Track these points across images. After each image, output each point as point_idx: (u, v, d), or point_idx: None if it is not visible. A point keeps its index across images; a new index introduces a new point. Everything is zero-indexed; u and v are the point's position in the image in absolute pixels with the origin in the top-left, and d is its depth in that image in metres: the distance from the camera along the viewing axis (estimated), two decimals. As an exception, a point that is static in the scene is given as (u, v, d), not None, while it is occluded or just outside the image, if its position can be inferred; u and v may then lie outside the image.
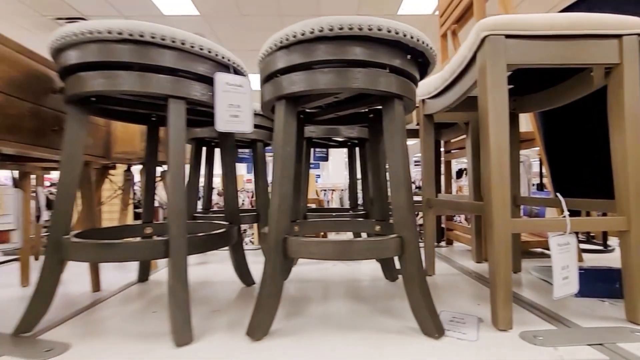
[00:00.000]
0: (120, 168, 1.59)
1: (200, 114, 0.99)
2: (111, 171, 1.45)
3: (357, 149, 1.60)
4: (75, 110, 0.73)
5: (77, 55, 0.67)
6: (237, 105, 0.78)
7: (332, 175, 10.70)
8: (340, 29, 0.63)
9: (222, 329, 0.72)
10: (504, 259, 0.68)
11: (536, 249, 1.52)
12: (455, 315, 0.77)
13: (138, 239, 1.01)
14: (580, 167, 1.15)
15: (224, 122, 0.76)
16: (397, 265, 1.22)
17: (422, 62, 0.77)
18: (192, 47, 0.70)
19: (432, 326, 0.66)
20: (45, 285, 0.70)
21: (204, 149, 1.54)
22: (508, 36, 0.69)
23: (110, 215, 1.88)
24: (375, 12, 3.95)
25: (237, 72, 0.81)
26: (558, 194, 0.76)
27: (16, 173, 1.13)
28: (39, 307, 0.71)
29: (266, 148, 1.51)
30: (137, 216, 2.78)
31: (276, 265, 0.68)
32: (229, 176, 0.99)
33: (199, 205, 1.64)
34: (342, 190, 8.25)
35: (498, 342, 0.64)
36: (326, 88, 0.67)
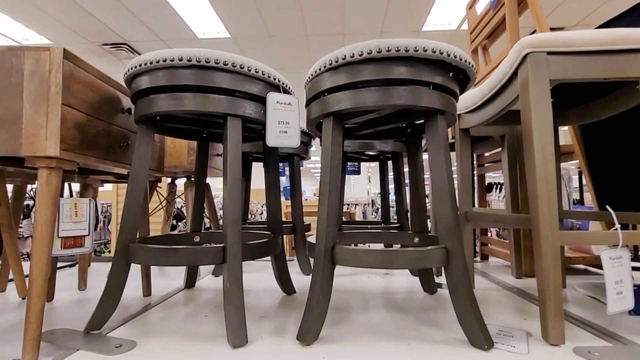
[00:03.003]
0: (164, 181, 1.70)
1: (243, 130, 1.06)
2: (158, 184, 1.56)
3: (389, 163, 1.63)
4: (144, 128, 0.82)
5: (149, 80, 0.76)
6: (286, 122, 0.83)
7: (354, 189, 10.70)
8: (388, 50, 0.68)
9: (271, 333, 0.76)
10: (553, 271, 0.68)
11: (579, 266, 1.46)
12: (502, 329, 0.76)
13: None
14: (625, 180, 1.12)
15: (274, 138, 0.82)
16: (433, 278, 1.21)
17: (463, 78, 0.80)
18: (249, 70, 0.77)
19: (480, 337, 0.66)
20: (114, 286, 0.77)
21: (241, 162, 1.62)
22: (550, 53, 0.71)
23: (151, 226, 1.98)
24: (400, 29, 4.03)
25: (285, 91, 0.87)
26: (608, 207, 0.75)
27: (73, 185, 1.23)
28: (108, 307, 0.77)
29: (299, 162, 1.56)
30: (170, 228, 2.91)
31: (325, 272, 0.72)
32: (273, 188, 1.04)
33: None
34: (365, 204, 8.20)
35: (551, 356, 0.63)
36: (373, 105, 0.71)
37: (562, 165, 1.67)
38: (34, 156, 0.68)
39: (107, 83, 0.86)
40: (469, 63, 0.74)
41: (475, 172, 1.76)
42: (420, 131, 1.03)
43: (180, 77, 0.74)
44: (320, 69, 0.77)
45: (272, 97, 0.82)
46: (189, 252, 0.73)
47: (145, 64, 0.74)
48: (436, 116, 0.75)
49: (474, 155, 1.74)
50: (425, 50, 0.68)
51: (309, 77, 0.82)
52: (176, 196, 1.62)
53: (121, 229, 0.78)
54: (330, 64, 0.74)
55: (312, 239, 0.88)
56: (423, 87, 0.72)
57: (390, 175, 1.65)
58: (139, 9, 3.56)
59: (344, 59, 0.71)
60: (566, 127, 1.44)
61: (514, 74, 0.78)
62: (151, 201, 1.61)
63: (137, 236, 1.12)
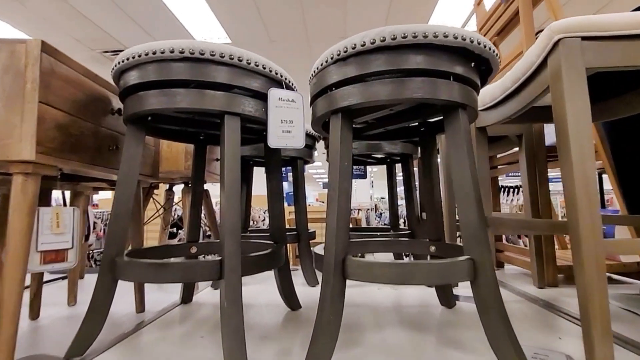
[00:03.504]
0: (162, 187, 1.62)
1: (243, 131, 0.99)
2: (155, 191, 1.48)
3: (396, 165, 1.55)
4: (133, 129, 0.74)
5: (138, 75, 0.69)
6: (289, 120, 0.76)
7: (357, 194, 10.58)
8: (404, 37, 0.60)
9: (275, 358, 0.67)
10: (597, 285, 0.59)
11: (603, 274, 1.36)
12: (538, 351, 0.67)
13: (182, 258, 1.00)
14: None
15: (276, 138, 0.75)
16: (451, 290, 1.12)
17: (485, 69, 0.72)
18: (248, 63, 0.70)
19: (517, 363, 0.57)
20: (98, 305, 0.69)
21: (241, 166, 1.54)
22: (585, 38, 0.64)
23: (148, 235, 1.91)
24: (402, 31, 3.98)
25: (288, 87, 0.80)
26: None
27: (63, 193, 1.17)
28: (92, 329, 0.69)
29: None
30: (170, 236, 2.83)
31: (336, 287, 0.63)
32: (275, 193, 0.96)
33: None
34: (368, 209, 8.07)
35: (601, 385, 0.54)
36: (386, 99, 0.64)
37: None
38: (7, 160, 0.60)
39: (94, 81, 0.79)
40: (493, 51, 0.66)
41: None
42: (435, 130, 0.95)
43: (172, 71, 0.67)
44: (326, 61, 0.69)
45: (274, 94, 0.74)
46: (182, 267, 0.65)
47: (134, 57, 0.67)
48: (457, 111, 0.67)
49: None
50: (446, 36, 0.60)
51: (314, 71, 0.74)
52: (174, 203, 1.55)
53: (107, 241, 0.70)
54: (339, 55, 0.66)
55: (318, 249, 0.80)
56: (442, 79, 0.64)
57: (398, 178, 1.57)
58: (139, 15, 3.54)
59: (353, 48, 0.64)
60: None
61: (543, 63, 0.70)
62: (147, 209, 1.53)
63: (131, 247, 1.05)
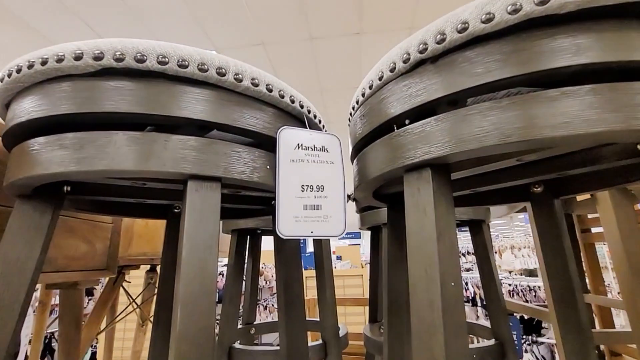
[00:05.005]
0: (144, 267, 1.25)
1: (240, 198, 0.63)
2: (132, 271, 1.11)
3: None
4: (25, 207, 0.39)
5: (24, 108, 0.35)
6: (317, 186, 0.40)
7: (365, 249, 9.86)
8: (603, -13, 0.25)
9: None
10: None
11: None
12: None
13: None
14: None
15: (292, 221, 0.38)
16: None
17: None
18: (238, 79, 0.36)
19: None
20: None
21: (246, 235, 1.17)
22: None
23: (130, 333, 1.49)
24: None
25: (313, 125, 0.45)
26: None
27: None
28: None
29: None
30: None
31: None
32: (291, 304, 0.57)
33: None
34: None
35: None
36: (558, 136, 0.27)
37: None
38: None
39: (-16, 127, 0.46)
40: None
41: (579, 240, 1.23)
42: (560, 189, 0.57)
43: (85, 99, 0.34)
44: (392, 69, 0.35)
45: (289, 138, 0.39)
46: None
47: (10, 75, 0.34)
48: None
49: (574, 216, 1.23)
50: None
51: (363, 93, 0.40)
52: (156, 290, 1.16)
53: None
54: (423, 51, 0.31)
55: None
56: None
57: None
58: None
59: (463, 30, 0.29)
60: None
61: None
62: (120, 296, 1.15)
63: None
